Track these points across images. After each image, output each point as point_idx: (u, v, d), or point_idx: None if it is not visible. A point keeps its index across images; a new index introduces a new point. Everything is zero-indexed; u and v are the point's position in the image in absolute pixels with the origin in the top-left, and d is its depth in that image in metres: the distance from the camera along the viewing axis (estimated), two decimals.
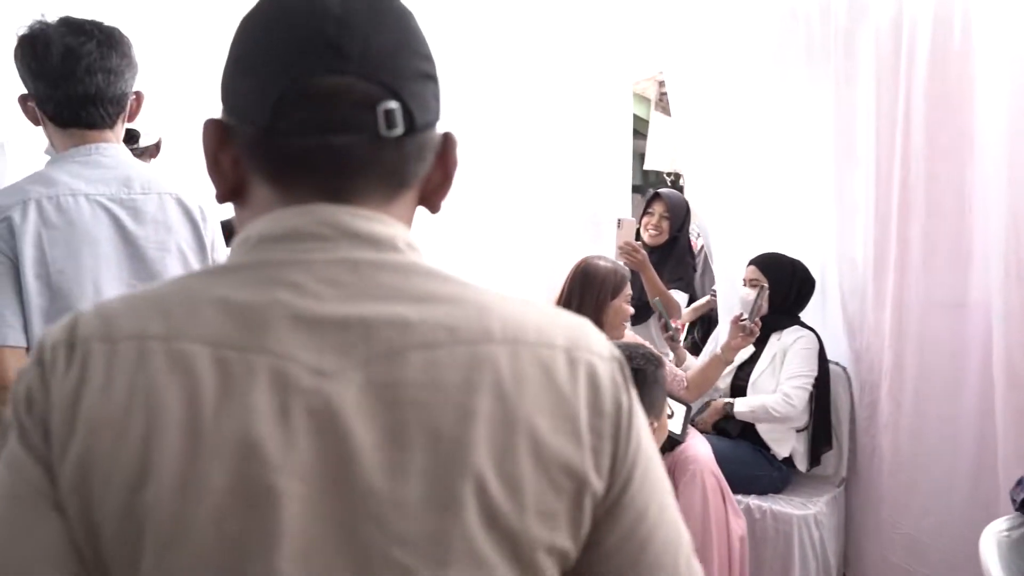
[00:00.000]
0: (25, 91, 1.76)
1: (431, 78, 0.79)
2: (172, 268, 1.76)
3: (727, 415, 3.34)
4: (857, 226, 3.30)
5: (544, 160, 4.00)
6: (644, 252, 3.67)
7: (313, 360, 0.71)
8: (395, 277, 0.75)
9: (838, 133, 3.29)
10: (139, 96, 1.80)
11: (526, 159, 4.00)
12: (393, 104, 0.75)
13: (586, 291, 3.07)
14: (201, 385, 0.69)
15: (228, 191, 0.81)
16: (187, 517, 0.68)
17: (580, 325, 0.81)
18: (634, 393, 0.82)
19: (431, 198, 0.84)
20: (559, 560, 0.76)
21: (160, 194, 1.79)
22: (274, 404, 0.69)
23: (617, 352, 0.82)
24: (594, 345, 0.79)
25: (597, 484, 0.76)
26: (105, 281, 1.70)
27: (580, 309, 3.04)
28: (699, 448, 3.06)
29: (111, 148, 1.77)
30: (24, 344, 1.64)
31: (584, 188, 3.99)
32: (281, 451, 0.69)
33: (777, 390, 3.30)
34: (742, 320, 3.22)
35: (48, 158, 1.81)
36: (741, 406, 3.31)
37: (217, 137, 0.79)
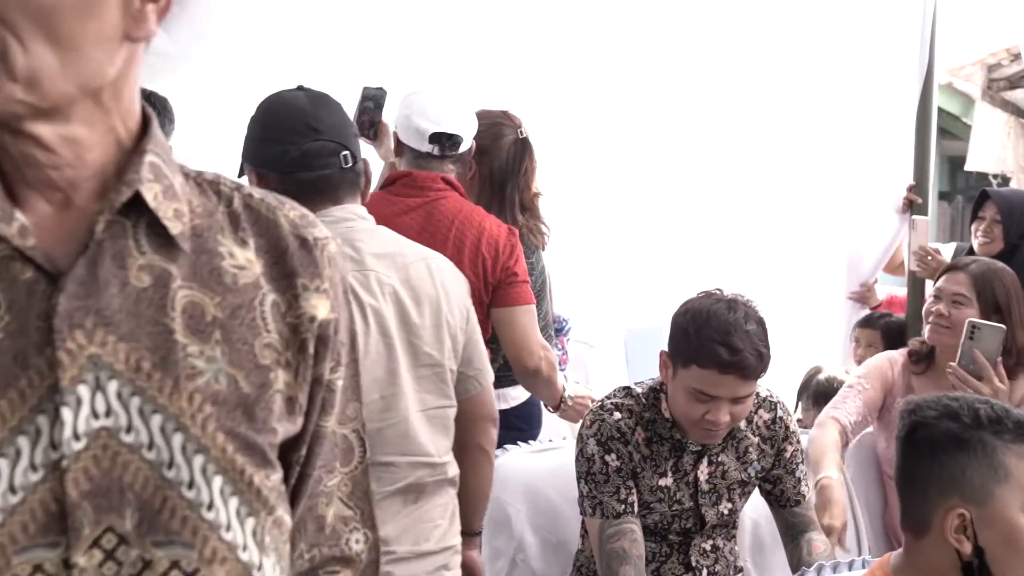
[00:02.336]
0: None
1: (357, 136, 1.77)
2: None
3: None
4: None
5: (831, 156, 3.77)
6: (943, 258, 3.28)
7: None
8: (369, 233, 1.73)
9: None
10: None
11: (810, 151, 3.83)
12: (346, 152, 1.67)
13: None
14: None
15: None
16: None
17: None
18: None
19: (364, 193, 1.78)
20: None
21: None
22: None
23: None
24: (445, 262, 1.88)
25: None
26: None
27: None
28: None
29: None
30: None
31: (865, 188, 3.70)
32: None
33: None
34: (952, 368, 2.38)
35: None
36: None
37: (257, 179, 1.67)
